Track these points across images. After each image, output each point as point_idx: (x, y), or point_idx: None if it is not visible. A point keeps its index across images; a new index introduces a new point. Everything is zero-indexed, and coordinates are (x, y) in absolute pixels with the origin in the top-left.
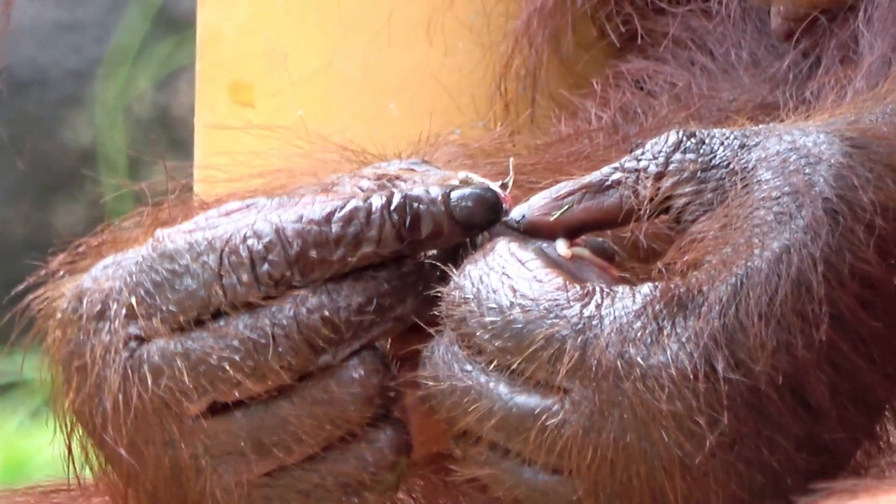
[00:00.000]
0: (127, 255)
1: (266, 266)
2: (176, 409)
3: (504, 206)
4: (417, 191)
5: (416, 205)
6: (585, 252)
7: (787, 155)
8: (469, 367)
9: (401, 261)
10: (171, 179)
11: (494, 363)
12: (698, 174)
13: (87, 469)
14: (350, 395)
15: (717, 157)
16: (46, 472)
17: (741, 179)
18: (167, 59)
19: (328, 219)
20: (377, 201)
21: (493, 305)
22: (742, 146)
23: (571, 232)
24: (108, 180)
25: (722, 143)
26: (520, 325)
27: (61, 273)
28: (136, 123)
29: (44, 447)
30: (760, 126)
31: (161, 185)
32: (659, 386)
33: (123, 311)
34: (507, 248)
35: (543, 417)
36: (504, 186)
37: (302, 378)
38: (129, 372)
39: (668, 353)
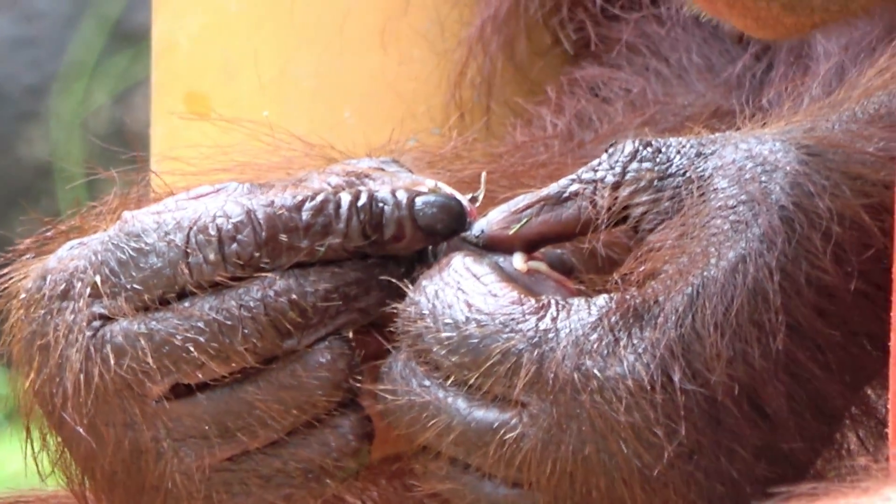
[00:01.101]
0: (93, 237)
1: (235, 246)
2: (138, 390)
3: (468, 218)
4: (384, 192)
5: (381, 205)
6: (542, 266)
7: (744, 163)
8: (427, 383)
9: (365, 255)
10: (129, 185)
11: (452, 378)
12: (655, 183)
13: (51, 477)
14: (317, 380)
15: (674, 165)
16: (9, 485)
17: (697, 188)
18: (124, 74)
19: (299, 207)
20: (346, 197)
21: (449, 321)
22: (698, 154)
23: (530, 245)
24: (65, 195)
25: (678, 152)
26: (476, 341)
27: (28, 255)
28: (93, 138)
29: (6, 460)
30: (717, 134)
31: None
32: (616, 398)
33: (88, 290)
34: (463, 262)
35: (502, 431)
36: (474, 200)
37: (268, 362)
38: (92, 351)
39: (625, 364)
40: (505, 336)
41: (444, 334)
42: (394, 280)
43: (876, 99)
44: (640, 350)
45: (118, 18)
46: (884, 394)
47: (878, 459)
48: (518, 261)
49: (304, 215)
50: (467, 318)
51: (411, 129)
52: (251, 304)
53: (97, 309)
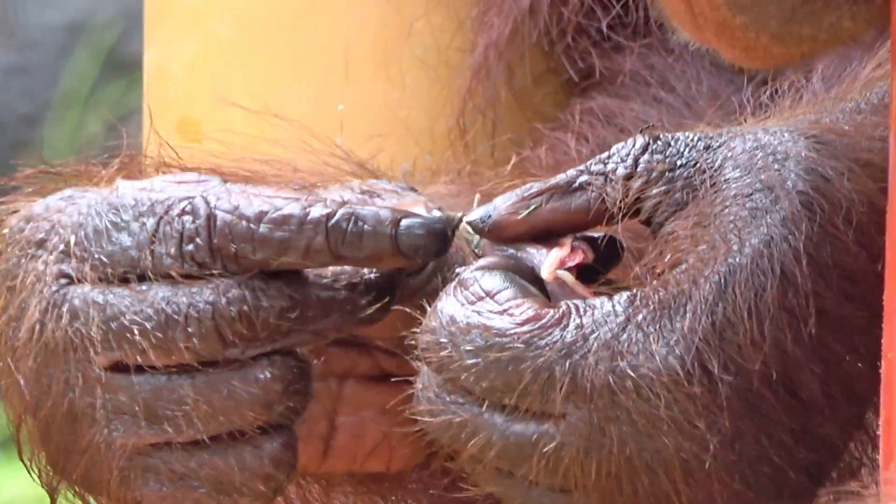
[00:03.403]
0: (85, 193)
1: (191, 246)
2: (83, 355)
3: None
4: (366, 211)
5: (360, 223)
6: (569, 277)
7: (754, 153)
8: (462, 400)
9: (337, 277)
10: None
11: (487, 402)
12: (666, 174)
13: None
14: (249, 395)
15: (684, 157)
16: None
17: (710, 178)
18: (118, 102)
19: (259, 218)
20: (317, 212)
21: (471, 348)
22: (707, 147)
23: (537, 232)
24: None
25: (687, 145)
26: (504, 364)
27: (28, 189)
28: None
29: (5, 484)
30: (723, 129)
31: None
32: (654, 394)
33: (61, 247)
34: (475, 279)
35: (542, 443)
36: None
37: (209, 364)
38: (50, 306)
39: (658, 359)
40: (532, 354)
41: (468, 361)
42: (359, 304)
43: (878, 90)
44: (671, 343)
45: (112, 47)
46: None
47: (869, 483)
48: (545, 270)
49: (262, 228)
50: (488, 344)
51: (413, 156)
52: (200, 305)
53: (65, 267)
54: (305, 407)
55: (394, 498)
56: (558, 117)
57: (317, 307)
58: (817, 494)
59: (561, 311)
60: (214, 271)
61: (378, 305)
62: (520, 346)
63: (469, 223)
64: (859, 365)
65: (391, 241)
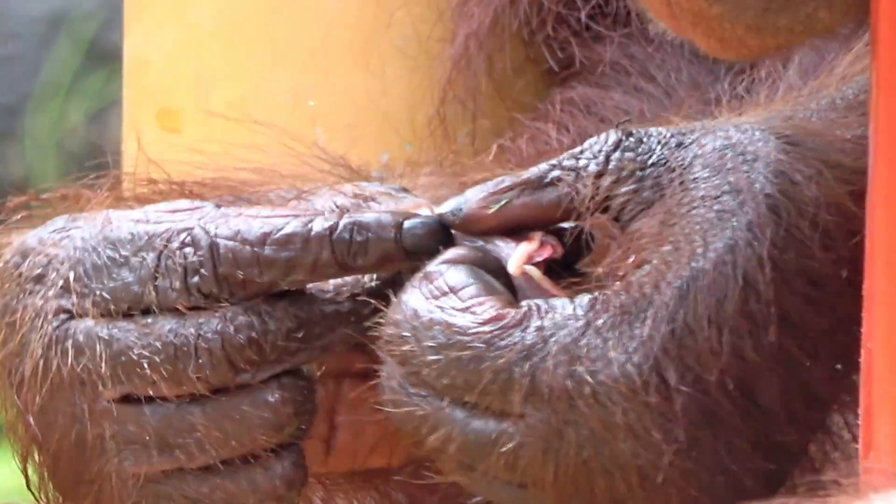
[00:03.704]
0: (77, 224)
1: (196, 279)
2: (91, 389)
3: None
4: (367, 218)
5: (364, 232)
6: (536, 273)
7: (724, 152)
8: (424, 393)
9: (339, 290)
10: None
11: (448, 398)
12: (636, 173)
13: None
14: (260, 419)
15: (655, 155)
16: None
17: (678, 176)
18: (99, 93)
19: (262, 240)
20: (319, 226)
21: (433, 344)
22: (679, 144)
23: (508, 226)
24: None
25: (660, 142)
26: (464, 363)
27: (16, 217)
28: (69, 157)
29: None
30: (696, 123)
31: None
32: (611, 401)
33: (60, 283)
34: (440, 273)
35: (501, 442)
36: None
37: (218, 391)
38: (53, 342)
39: (616, 366)
40: (492, 355)
41: (429, 357)
42: (363, 313)
43: (854, 85)
44: (630, 350)
45: (93, 38)
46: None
47: (849, 473)
48: (512, 265)
49: (267, 250)
50: (450, 342)
51: (393, 146)
52: (209, 335)
53: (65, 303)
54: (313, 423)
55: (398, 493)
56: (538, 107)
57: (323, 323)
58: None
59: (522, 311)
60: (224, 299)
61: (382, 312)
62: (480, 345)
63: (440, 215)
64: (820, 371)
65: (396, 245)
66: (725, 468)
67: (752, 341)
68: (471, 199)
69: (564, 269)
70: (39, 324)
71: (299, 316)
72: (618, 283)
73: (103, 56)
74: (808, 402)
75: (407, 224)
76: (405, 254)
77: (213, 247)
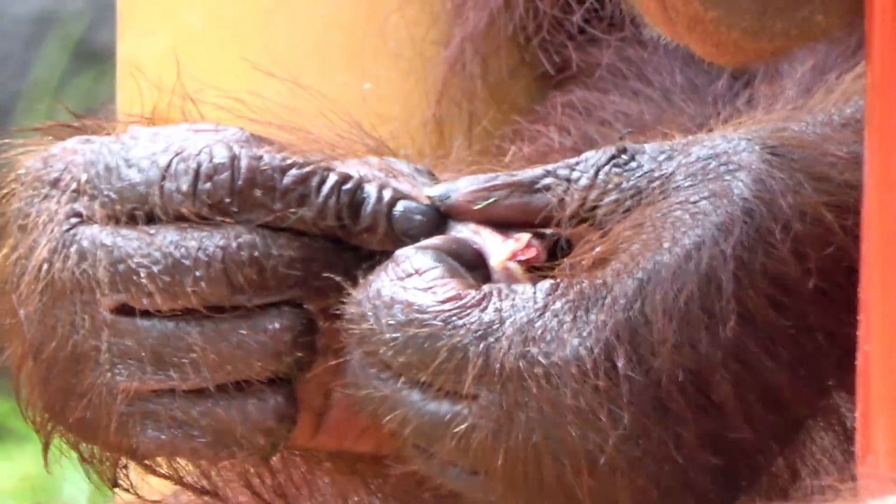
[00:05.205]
0: (101, 137)
1: (209, 185)
2: (89, 297)
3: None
4: (371, 187)
5: (363, 196)
6: (518, 269)
7: (707, 162)
8: (382, 375)
9: (338, 240)
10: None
11: (403, 377)
12: (622, 185)
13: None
14: (258, 344)
15: (643, 168)
16: None
17: (660, 184)
18: (87, 93)
19: (284, 170)
20: (332, 177)
21: (392, 322)
22: (668, 158)
23: (490, 223)
24: None
25: (651, 157)
26: (420, 341)
27: (49, 136)
28: None
29: None
30: (689, 137)
31: None
32: (562, 383)
33: (73, 185)
34: (406, 256)
35: (454, 424)
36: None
37: (215, 310)
38: (59, 246)
39: (569, 348)
40: (448, 333)
41: (387, 335)
42: (361, 264)
43: (853, 103)
44: (584, 334)
45: (81, 38)
46: (851, 404)
47: (846, 478)
48: (496, 259)
49: (286, 179)
50: (409, 319)
51: (387, 151)
52: (210, 248)
53: (77, 206)
54: (312, 363)
55: (376, 482)
56: (536, 110)
57: (322, 263)
58: (733, 501)
59: (483, 293)
60: (232, 211)
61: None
62: (438, 323)
63: (427, 195)
64: (781, 373)
65: (386, 219)
66: (673, 460)
67: (709, 335)
68: (461, 188)
69: (536, 272)
70: (50, 227)
71: (302, 248)
72: (583, 273)
73: (92, 56)
74: (767, 404)
75: (400, 204)
76: (391, 229)
77: (234, 160)
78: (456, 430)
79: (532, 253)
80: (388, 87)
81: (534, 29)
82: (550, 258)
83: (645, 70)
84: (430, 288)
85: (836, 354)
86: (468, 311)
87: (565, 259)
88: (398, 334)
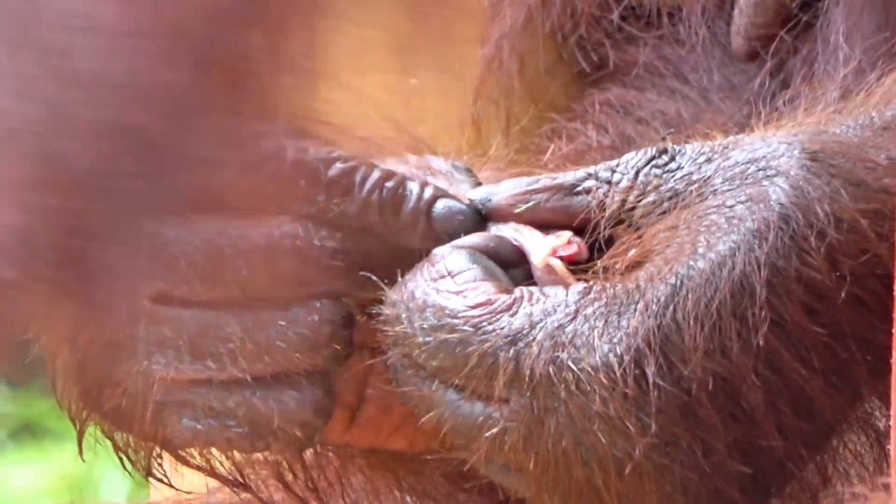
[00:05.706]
0: None
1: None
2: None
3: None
4: (413, 184)
5: (405, 193)
6: (559, 265)
7: (746, 167)
8: (419, 376)
9: (380, 237)
10: None
11: (437, 380)
12: (660, 187)
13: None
14: (297, 335)
15: (682, 170)
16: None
17: (697, 188)
18: None
19: (329, 163)
20: (376, 174)
21: (424, 326)
22: (708, 160)
23: (531, 224)
24: None
25: (691, 159)
26: (452, 346)
27: None
28: None
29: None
30: (730, 138)
31: None
32: (591, 390)
33: None
34: (442, 256)
35: (486, 426)
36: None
37: (256, 301)
38: None
39: (598, 354)
40: (479, 339)
41: (420, 339)
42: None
43: (894, 105)
44: (614, 340)
45: None
46: (885, 411)
47: (877, 485)
48: (537, 256)
49: (332, 171)
50: (440, 324)
51: (426, 148)
52: (251, 235)
53: None
54: (349, 356)
55: (409, 480)
56: (572, 108)
57: (364, 256)
58: None
59: (513, 297)
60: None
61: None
62: (468, 329)
63: (469, 198)
64: (815, 382)
65: (426, 217)
66: (701, 467)
67: (741, 342)
68: (502, 192)
69: (578, 269)
70: None
71: (343, 241)
72: (616, 277)
73: None
74: (798, 411)
75: (440, 203)
76: (430, 227)
77: (280, 150)
78: (488, 432)
79: (573, 249)
80: (425, 85)
81: (571, 27)
82: (588, 260)
83: (682, 68)
84: (462, 291)
85: (870, 362)
86: (498, 315)
87: (599, 261)
88: (430, 339)
